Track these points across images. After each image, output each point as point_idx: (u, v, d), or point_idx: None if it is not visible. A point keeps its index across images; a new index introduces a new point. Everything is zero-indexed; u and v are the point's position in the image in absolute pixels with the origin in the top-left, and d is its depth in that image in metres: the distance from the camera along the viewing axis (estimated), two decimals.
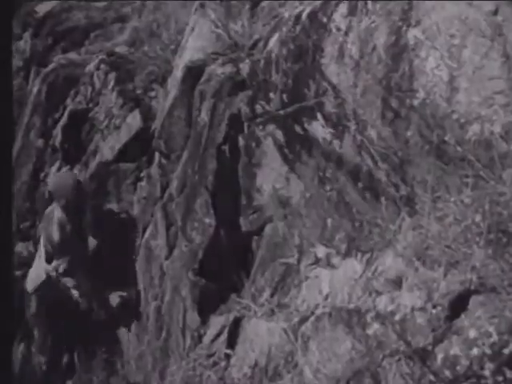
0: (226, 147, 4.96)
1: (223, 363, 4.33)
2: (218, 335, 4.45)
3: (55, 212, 4.76)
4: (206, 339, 4.63)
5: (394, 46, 3.74)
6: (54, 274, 4.88)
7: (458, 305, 2.81)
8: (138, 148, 6.34)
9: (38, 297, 5.04)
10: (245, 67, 5.00)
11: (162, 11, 7.28)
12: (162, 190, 5.88)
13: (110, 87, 6.84)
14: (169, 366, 4.79)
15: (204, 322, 4.80)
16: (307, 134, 4.33)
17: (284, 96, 4.54)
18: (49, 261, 4.86)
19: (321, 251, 4.20)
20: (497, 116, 3.26)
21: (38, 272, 4.91)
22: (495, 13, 3.29)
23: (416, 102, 3.61)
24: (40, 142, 7.46)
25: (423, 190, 3.43)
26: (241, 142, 4.87)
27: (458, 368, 2.63)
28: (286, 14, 4.75)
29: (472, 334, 2.65)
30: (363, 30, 3.94)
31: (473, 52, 3.36)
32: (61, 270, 4.77)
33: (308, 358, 3.24)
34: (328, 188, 4.21)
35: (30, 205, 7.46)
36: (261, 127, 4.74)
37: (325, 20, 4.22)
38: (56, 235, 4.72)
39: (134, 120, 6.41)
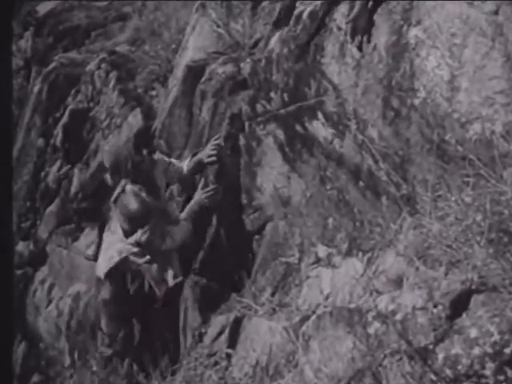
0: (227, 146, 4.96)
1: (224, 363, 4.33)
2: (219, 335, 4.44)
3: (126, 187, 4.73)
4: (207, 339, 4.62)
5: (395, 46, 3.74)
6: (134, 249, 4.80)
7: (459, 304, 2.81)
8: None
9: (110, 281, 4.96)
10: (246, 66, 5.00)
11: (162, 10, 7.29)
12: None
13: (110, 86, 6.84)
14: (169, 366, 4.79)
15: (205, 321, 4.80)
16: (308, 134, 4.33)
17: (285, 95, 4.54)
18: (128, 236, 4.81)
19: (322, 250, 4.20)
20: (497, 115, 3.26)
21: (110, 254, 4.86)
22: (496, 12, 3.29)
23: (417, 102, 3.61)
24: (41, 142, 7.46)
25: (424, 189, 3.43)
26: (242, 141, 4.87)
27: (459, 367, 2.63)
28: None
29: (473, 333, 2.65)
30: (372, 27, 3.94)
31: (474, 51, 3.36)
32: (143, 239, 4.71)
33: (309, 358, 3.24)
34: (329, 187, 4.21)
35: (30, 204, 7.46)
36: (262, 126, 4.74)
37: (326, 19, 4.23)
38: (134, 204, 4.68)
39: (135, 119, 6.41)
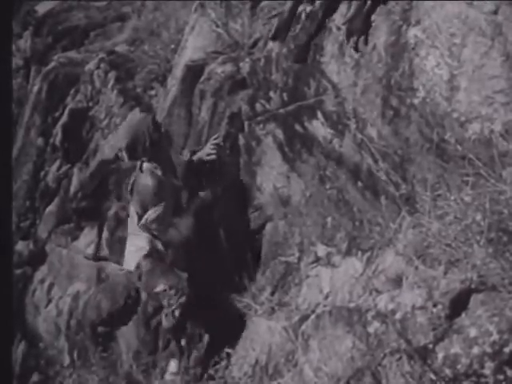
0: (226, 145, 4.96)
1: (224, 362, 4.34)
2: None
3: (144, 165, 4.62)
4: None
5: (395, 45, 3.74)
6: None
7: (459, 303, 2.81)
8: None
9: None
10: (245, 66, 5.00)
11: (162, 10, 7.29)
12: None
13: (110, 86, 6.84)
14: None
15: None
16: (307, 133, 4.34)
17: (284, 95, 4.54)
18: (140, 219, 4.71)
19: (321, 250, 4.21)
20: (497, 115, 3.27)
21: (139, 245, 4.75)
22: (495, 12, 3.30)
23: (416, 101, 3.61)
24: (40, 141, 7.46)
25: (423, 188, 3.44)
26: (241, 140, 4.87)
27: (459, 367, 2.63)
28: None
29: (472, 332, 2.66)
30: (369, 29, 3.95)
31: (473, 51, 3.36)
32: (152, 216, 4.62)
33: (308, 357, 3.24)
34: (328, 187, 4.21)
35: (29, 204, 7.46)
36: (261, 126, 4.74)
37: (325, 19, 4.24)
38: (149, 181, 4.59)
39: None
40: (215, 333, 4.59)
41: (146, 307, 5.41)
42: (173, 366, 4.71)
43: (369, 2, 3.92)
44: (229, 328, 4.41)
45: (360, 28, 3.95)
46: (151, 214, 4.58)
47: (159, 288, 4.59)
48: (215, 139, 4.88)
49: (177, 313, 4.53)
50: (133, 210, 4.74)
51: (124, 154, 4.62)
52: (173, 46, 6.49)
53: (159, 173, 4.63)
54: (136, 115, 4.83)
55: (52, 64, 7.58)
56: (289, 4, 4.55)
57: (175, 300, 4.52)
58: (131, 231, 4.77)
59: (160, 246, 4.62)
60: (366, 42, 3.93)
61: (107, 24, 8.20)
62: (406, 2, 3.69)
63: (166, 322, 4.68)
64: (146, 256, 4.62)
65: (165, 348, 5.05)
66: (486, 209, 2.97)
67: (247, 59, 5.03)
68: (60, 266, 6.99)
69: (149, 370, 4.89)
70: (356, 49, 3.99)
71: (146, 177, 4.64)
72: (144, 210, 4.61)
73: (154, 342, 5.25)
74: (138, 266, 4.68)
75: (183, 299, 4.50)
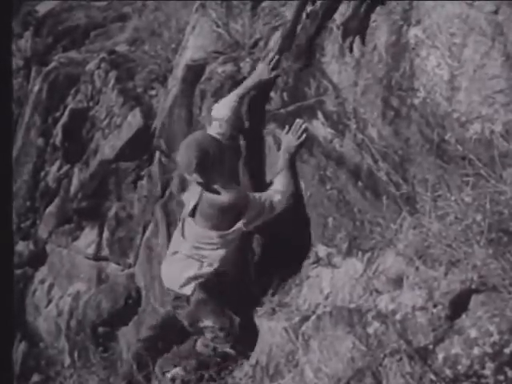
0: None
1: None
2: None
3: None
4: None
5: (395, 45, 3.74)
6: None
7: (459, 304, 2.81)
8: (139, 147, 6.35)
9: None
10: (245, 66, 5.00)
11: (162, 10, 7.29)
12: (162, 188, 5.88)
13: (110, 86, 6.84)
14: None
15: None
16: (308, 133, 4.33)
17: (284, 95, 4.54)
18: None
19: (321, 250, 4.21)
20: (497, 115, 3.26)
21: (190, 270, 4.55)
22: (496, 12, 3.29)
23: (417, 101, 3.61)
24: (40, 141, 7.46)
25: (424, 188, 3.44)
26: (241, 140, 4.87)
27: (459, 367, 2.63)
28: (287, 14, 4.75)
29: (473, 333, 2.66)
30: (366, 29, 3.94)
31: (473, 51, 3.36)
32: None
33: (309, 357, 3.24)
34: (328, 187, 4.21)
35: (30, 204, 7.46)
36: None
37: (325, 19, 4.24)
38: (226, 196, 4.35)
39: (135, 119, 6.41)
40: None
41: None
42: (176, 371, 4.61)
43: (366, 2, 3.91)
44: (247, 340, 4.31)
45: (357, 28, 3.95)
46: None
47: (206, 324, 4.40)
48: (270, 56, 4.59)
49: (219, 349, 4.40)
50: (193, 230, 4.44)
51: (196, 176, 4.34)
52: (173, 46, 6.48)
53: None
54: (192, 136, 4.49)
55: (52, 64, 7.58)
56: (291, 12, 4.53)
57: (222, 341, 4.36)
58: (182, 250, 4.49)
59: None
60: (362, 42, 3.93)
61: (108, 24, 8.19)
62: (407, 2, 3.69)
63: (202, 348, 4.53)
64: (202, 285, 4.38)
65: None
66: (487, 209, 2.97)
67: (248, 59, 5.03)
68: (60, 266, 7.00)
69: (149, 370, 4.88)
70: (351, 49, 3.99)
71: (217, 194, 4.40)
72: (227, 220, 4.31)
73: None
74: (192, 294, 4.41)
75: (231, 341, 4.35)
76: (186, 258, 4.41)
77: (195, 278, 4.37)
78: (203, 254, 4.34)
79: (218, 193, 4.28)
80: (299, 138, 4.36)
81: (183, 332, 4.71)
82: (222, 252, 4.31)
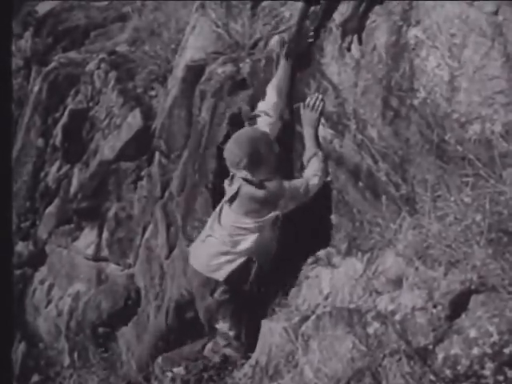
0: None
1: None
2: None
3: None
4: None
5: (395, 46, 3.74)
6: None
7: (459, 304, 2.81)
8: (139, 147, 6.35)
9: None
10: (245, 66, 5.00)
11: (162, 10, 7.29)
12: (162, 189, 5.88)
13: (110, 86, 6.84)
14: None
15: None
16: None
17: None
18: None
19: (321, 250, 4.21)
20: (497, 115, 3.26)
21: (223, 254, 4.54)
22: (496, 12, 3.29)
23: (416, 102, 3.61)
24: (40, 142, 7.46)
25: (423, 189, 3.44)
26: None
27: (459, 367, 2.63)
28: (287, 14, 4.75)
29: (472, 333, 2.66)
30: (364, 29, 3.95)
31: (473, 52, 3.36)
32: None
33: (309, 358, 3.24)
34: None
35: (29, 204, 7.46)
36: None
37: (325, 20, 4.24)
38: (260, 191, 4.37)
39: (135, 119, 6.41)
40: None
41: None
42: (179, 369, 4.59)
43: (365, 2, 3.91)
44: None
45: (355, 28, 3.95)
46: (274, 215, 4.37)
47: (221, 327, 4.40)
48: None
49: (227, 353, 4.41)
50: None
51: (245, 172, 4.32)
52: (173, 47, 6.48)
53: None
54: (244, 132, 4.45)
55: (52, 64, 7.58)
56: (294, 14, 4.52)
57: (234, 350, 4.38)
58: (216, 236, 4.42)
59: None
60: (360, 42, 3.93)
61: (108, 24, 8.19)
62: (407, 2, 3.69)
63: (210, 354, 4.53)
64: (228, 281, 4.34)
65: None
66: (486, 209, 2.97)
67: (247, 60, 5.03)
68: (60, 266, 7.00)
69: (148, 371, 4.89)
70: (349, 49, 3.99)
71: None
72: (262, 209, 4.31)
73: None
74: (227, 280, 4.36)
75: (242, 352, 4.33)
76: (221, 244, 4.36)
77: (228, 262, 4.33)
78: (238, 239, 4.32)
79: (261, 186, 4.27)
80: (317, 110, 4.31)
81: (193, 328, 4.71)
82: (254, 236, 4.31)
